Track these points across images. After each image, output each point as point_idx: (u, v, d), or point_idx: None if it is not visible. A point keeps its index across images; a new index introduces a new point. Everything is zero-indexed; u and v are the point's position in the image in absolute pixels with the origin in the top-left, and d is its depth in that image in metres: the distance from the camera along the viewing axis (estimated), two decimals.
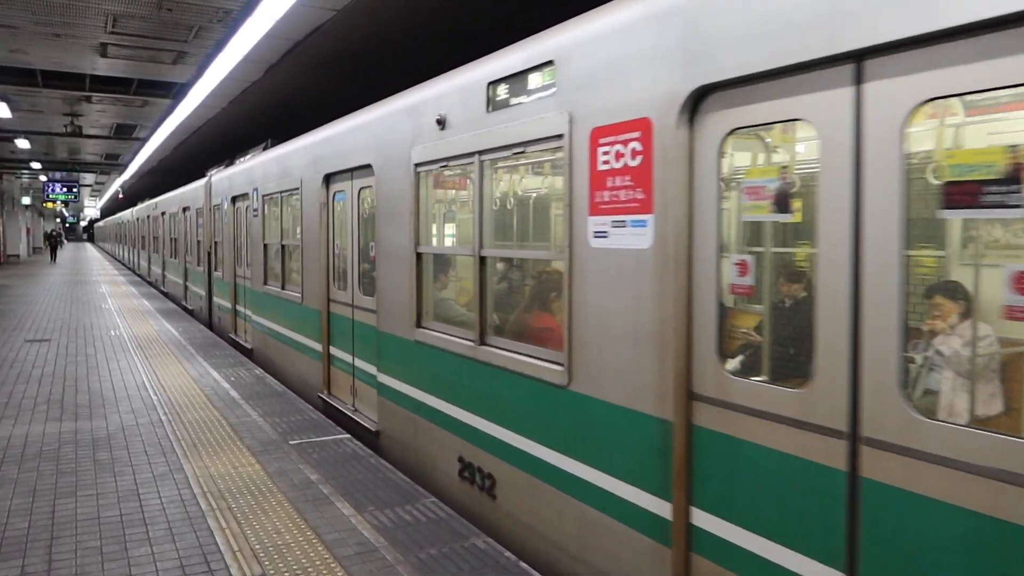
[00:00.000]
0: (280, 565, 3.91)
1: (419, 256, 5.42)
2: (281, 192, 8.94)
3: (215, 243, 13.38)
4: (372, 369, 6.33)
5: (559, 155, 3.84)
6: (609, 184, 3.42)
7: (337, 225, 7.44)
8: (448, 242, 6.50)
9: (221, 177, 12.75)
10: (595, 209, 3.52)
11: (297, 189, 8.20)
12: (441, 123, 4.92)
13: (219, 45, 9.98)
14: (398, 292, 5.67)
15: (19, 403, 7.46)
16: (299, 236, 8.15)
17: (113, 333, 12.44)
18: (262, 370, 9.22)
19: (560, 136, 3.74)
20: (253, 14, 8.14)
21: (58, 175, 35.42)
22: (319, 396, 7.65)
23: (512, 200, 5.66)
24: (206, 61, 11.02)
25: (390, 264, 5.81)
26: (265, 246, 9.82)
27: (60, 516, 4.56)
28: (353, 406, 6.95)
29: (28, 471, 5.40)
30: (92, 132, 19.86)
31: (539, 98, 3.96)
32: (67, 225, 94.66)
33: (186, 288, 17.24)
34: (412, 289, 5.44)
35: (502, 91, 4.31)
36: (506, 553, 4.08)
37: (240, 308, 11.61)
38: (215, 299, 13.69)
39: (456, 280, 6.03)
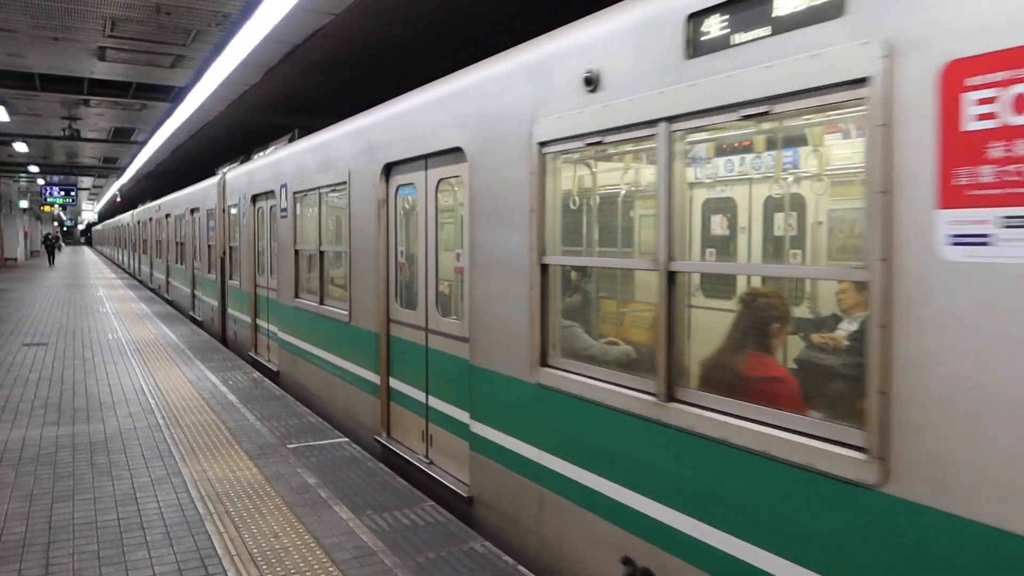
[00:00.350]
0: (278, 569, 3.89)
1: (544, 269, 4.09)
2: (319, 188, 7.64)
3: (230, 248, 12.19)
4: (458, 413, 5.06)
5: (854, 112, 2.65)
6: (994, 154, 2.19)
7: (401, 227, 6.18)
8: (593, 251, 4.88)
9: (238, 174, 11.48)
10: (953, 197, 2.27)
11: (343, 184, 6.90)
12: (591, 82, 3.65)
13: (218, 48, 9.99)
14: (508, 316, 4.38)
15: (16, 407, 7.44)
16: (345, 240, 6.90)
17: (111, 337, 12.42)
18: (293, 398, 8.03)
19: (862, 81, 2.46)
20: (252, 18, 8.16)
21: (56, 178, 35.39)
22: (376, 440, 6.28)
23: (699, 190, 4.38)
24: (205, 64, 11.03)
25: (494, 278, 4.53)
26: (297, 252, 8.52)
27: (57, 520, 4.55)
28: (427, 457, 5.61)
29: (25, 475, 5.38)
30: (90, 135, 19.88)
31: (806, 27, 2.65)
32: (65, 229, 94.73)
33: (194, 297, 16.03)
34: (534, 313, 4.11)
35: (716, 25, 3.03)
36: (504, 557, 4.07)
37: (262, 323, 10.28)
38: (230, 311, 12.36)
39: (596, 301, 4.90)
